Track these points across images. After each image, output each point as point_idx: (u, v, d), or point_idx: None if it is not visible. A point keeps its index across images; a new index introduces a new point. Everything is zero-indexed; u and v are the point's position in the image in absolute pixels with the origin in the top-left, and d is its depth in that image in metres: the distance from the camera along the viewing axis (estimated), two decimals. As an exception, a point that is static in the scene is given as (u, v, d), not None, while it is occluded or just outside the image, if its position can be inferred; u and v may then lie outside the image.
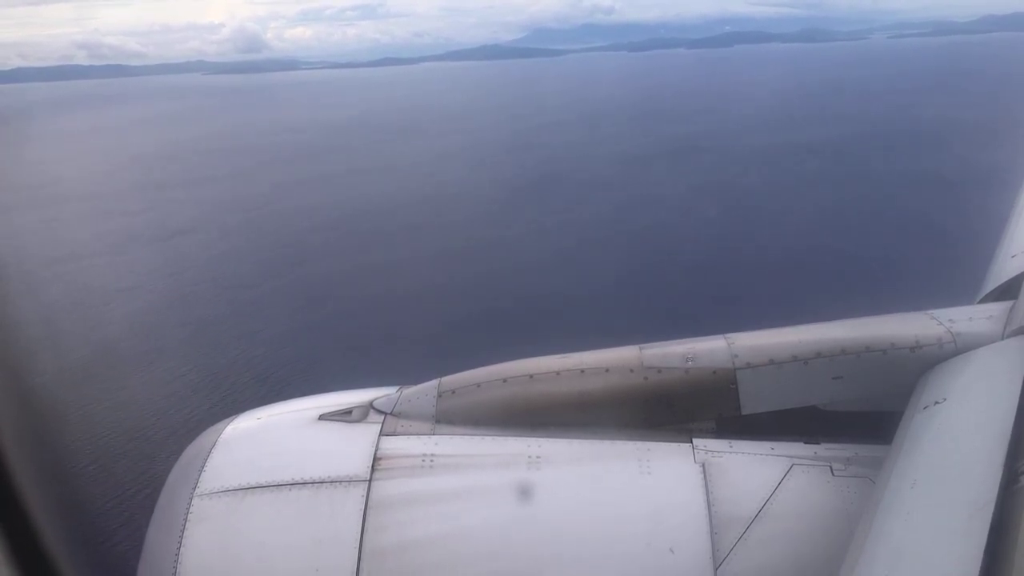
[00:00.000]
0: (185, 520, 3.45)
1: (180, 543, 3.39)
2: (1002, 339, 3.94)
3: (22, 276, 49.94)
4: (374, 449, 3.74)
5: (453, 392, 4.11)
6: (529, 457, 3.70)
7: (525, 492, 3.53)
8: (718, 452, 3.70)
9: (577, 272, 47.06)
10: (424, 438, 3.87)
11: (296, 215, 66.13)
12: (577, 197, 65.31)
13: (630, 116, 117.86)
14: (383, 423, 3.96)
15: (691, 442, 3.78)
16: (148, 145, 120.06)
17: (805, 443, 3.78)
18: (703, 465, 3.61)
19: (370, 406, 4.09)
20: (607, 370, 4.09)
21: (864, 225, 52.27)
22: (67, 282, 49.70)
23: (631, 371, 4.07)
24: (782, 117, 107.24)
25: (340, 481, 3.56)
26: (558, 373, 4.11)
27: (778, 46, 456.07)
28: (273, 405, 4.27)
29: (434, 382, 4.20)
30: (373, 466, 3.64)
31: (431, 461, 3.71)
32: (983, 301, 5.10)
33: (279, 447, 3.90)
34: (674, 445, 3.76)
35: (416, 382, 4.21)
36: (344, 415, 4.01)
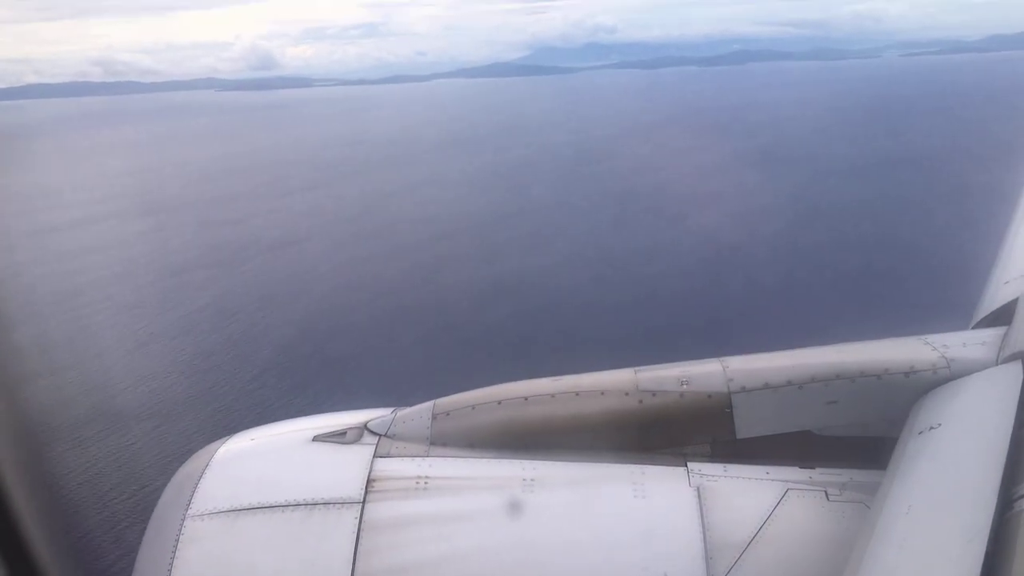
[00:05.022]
0: (177, 541, 3.43)
1: (171, 564, 3.36)
2: (996, 365, 3.94)
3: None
4: (368, 471, 3.73)
5: (448, 414, 4.10)
6: (523, 480, 3.69)
7: (519, 515, 3.53)
8: (713, 476, 3.70)
9: (713, 278, 47.06)
10: (418, 460, 3.87)
11: (403, 223, 66.20)
12: (690, 206, 65.38)
13: (690, 129, 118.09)
14: (377, 445, 3.95)
15: (686, 466, 3.78)
16: (206, 159, 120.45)
17: (800, 468, 3.77)
18: (698, 489, 3.60)
19: (364, 428, 4.07)
20: (602, 393, 4.08)
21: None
22: (203, 290, 49.70)
23: (626, 394, 4.05)
24: (849, 130, 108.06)
25: (333, 503, 3.55)
26: (553, 396, 4.10)
27: (791, 64, 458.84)
28: (267, 426, 4.27)
29: (429, 404, 4.19)
30: (367, 488, 3.63)
31: (425, 483, 3.70)
32: (977, 327, 5.11)
33: (272, 468, 3.88)
34: (669, 469, 3.76)
35: (411, 404, 4.21)
36: (338, 436, 3.99)
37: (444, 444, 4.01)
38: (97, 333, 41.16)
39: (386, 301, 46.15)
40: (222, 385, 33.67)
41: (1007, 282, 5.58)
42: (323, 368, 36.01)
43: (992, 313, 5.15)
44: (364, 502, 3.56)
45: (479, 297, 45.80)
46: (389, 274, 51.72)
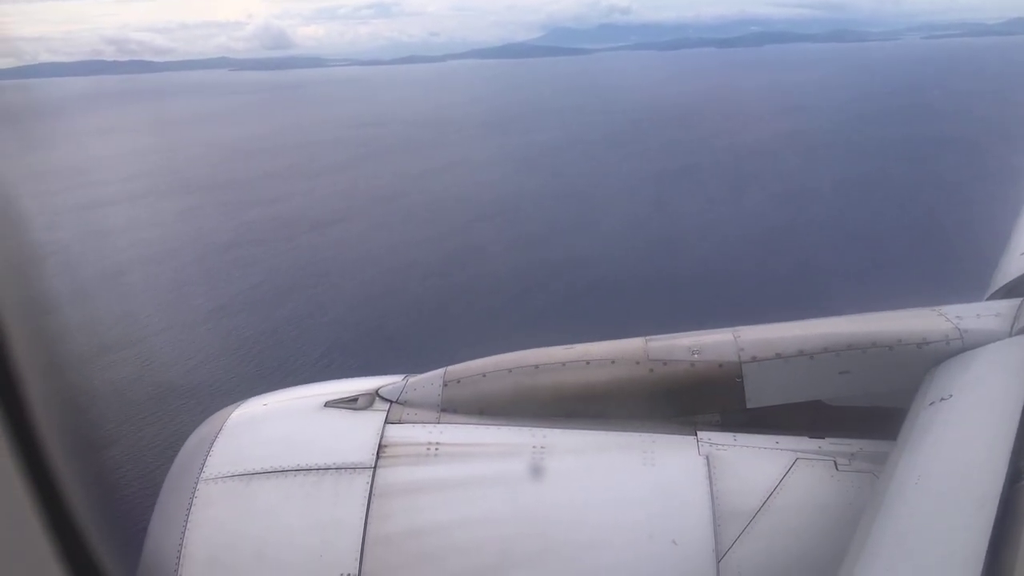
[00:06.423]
0: (191, 504, 3.49)
1: (185, 527, 3.42)
2: (1009, 337, 3.93)
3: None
4: (379, 437, 3.77)
5: (459, 381, 4.15)
6: (534, 447, 3.71)
7: (529, 482, 3.57)
8: (722, 445, 3.70)
9: (761, 259, 46.67)
10: (429, 426, 3.90)
11: (441, 204, 65.95)
12: (730, 188, 64.90)
13: (718, 111, 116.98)
14: (388, 411, 3.99)
15: (695, 435, 3.78)
16: (231, 139, 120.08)
17: (810, 437, 3.77)
18: (707, 457, 3.61)
19: (376, 394, 4.11)
20: (613, 362, 4.11)
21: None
22: (254, 267, 49.64)
23: (637, 363, 4.08)
24: (883, 113, 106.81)
25: (345, 468, 3.59)
26: (564, 364, 4.14)
27: (811, 46, 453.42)
28: (279, 391, 4.33)
29: (440, 371, 4.23)
30: (378, 454, 3.66)
31: (436, 449, 3.73)
32: (991, 298, 5.08)
33: (284, 433, 3.91)
34: (678, 437, 3.77)
35: (422, 371, 4.24)
36: (350, 403, 4.03)
37: (455, 411, 4.06)
38: (156, 310, 41.24)
39: (437, 280, 46.00)
40: (292, 362, 33.70)
41: (1022, 253, 5.60)
42: (386, 345, 35.94)
43: (1007, 284, 5.14)
44: (375, 467, 3.60)
45: (527, 277, 45.58)
46: (435, 254, 51.49)
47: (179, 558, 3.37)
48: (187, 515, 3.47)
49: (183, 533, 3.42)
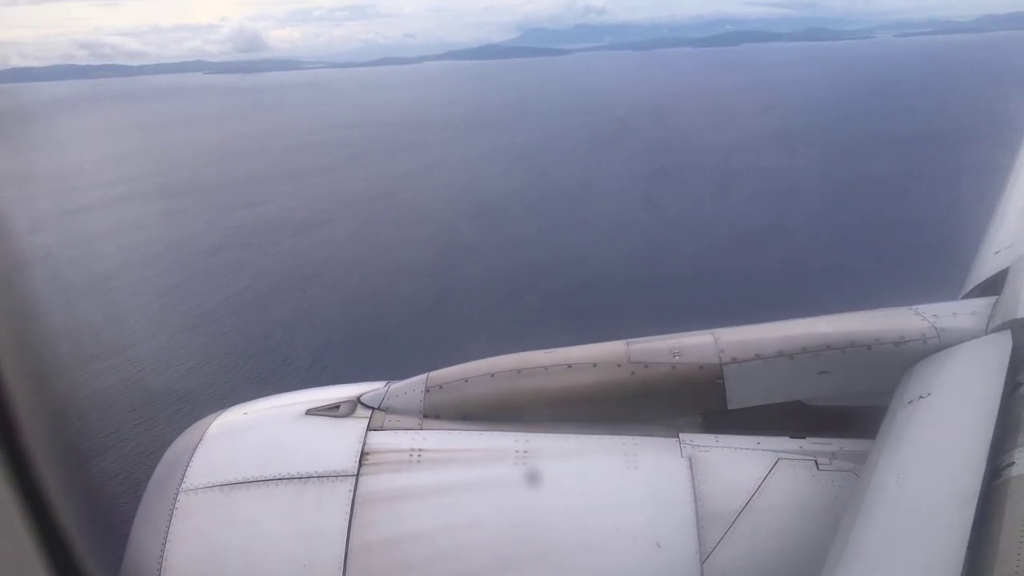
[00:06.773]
0: (171, 515, 3.46)
1: (166, 538, 3.39)
2: (985, 334, 4.00)
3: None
4: (361, 444, 3.77)
5: (441, 387, 4.15)
6: (516, 452, 3.73)
7: (512, 486, 3.58)
8: (704, 447, 3.73)
9: (747, 256, 46.93)
10: (412, 433, 3.90)
11: (426, 205, 65.71)
12: (716, 186, 65.25)
13: (699, 110, 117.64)
14: (370, 418, 3.99)
15: (678, 437, 3.81)
16: (209, 143, 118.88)
17: (791, 438, 3.81)
18: (689, 459, 3.64)
19: (357, 401, 4.11)
20: (594, 365, 4.14)
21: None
22: (241, 271, 49.08)
23: (618, 366, 4.11)
24: (863, 110, 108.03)
25: (327, 476, 3.58)
26: (546, 368, 4.15)
27: (787, 44, 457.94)
28: (260, 400, 4.32)
29: (422, 377, 4.24)
30: (360, 461, 3.66)
31: (419, 456, 3.73)
32: (967, 297, 5.21)
33: (266, 442, 3.90)
34: (661, 440, 3.80)
35: (404, 377, 4.26)
36: (331, 410, 4.03)
37: (437, 416, 4.05)
38: (143, 315, 40.60)
39: (427, 282, 45.69)
40: (284, 367, 33.32)
41: (997, 252, 5.65)
42: (379, 349, 35.61)
43: (982, 283, 5.23)
44: (358, 475, 3.58)
45: (507, 280, 45.50)
46: (423, 255, 51.23)
47: (159, 571, 3.31)
48: (167, 527, 3.42)
49: (163, 545, 3.37)
